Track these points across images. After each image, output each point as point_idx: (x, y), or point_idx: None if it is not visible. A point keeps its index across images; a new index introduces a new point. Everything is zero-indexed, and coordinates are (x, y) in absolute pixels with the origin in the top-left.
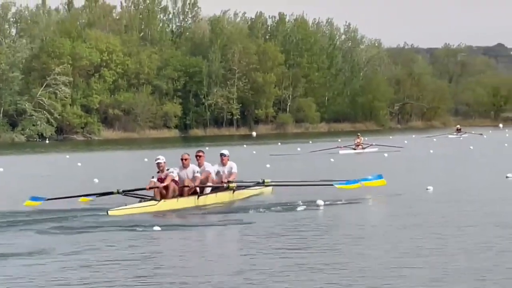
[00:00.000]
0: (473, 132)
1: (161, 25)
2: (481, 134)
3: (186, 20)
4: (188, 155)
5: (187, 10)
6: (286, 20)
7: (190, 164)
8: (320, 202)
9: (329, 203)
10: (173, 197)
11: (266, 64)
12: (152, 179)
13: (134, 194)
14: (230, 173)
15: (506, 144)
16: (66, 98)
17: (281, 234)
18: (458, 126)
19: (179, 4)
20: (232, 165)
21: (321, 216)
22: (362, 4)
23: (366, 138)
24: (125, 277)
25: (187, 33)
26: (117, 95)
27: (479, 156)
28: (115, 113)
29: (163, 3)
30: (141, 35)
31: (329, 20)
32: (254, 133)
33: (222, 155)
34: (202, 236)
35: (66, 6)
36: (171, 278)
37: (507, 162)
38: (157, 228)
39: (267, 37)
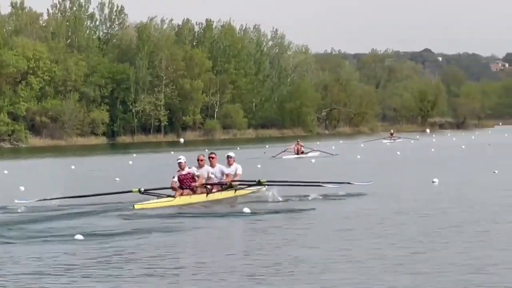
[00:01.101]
0: (406, 137)
1: (88, 32)
2: (417, 139)
3: (113, 27)
4: (204, 156)
5: (114, 16)
6: (213, 26)
7: (205, 165)
8: (246, 210)
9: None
10: (195, 194)
11: (194, 71)
12: (174, 179)
13: (153, 193)
14: (235, 174)
15: (432, 149)
16: None
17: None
18: (392, 131)
19: (106, 11)
20: (237, 166)
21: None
22: (289, 10)
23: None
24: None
25: (114, 40)
26: (44, 103)
27: (407, 161)
28: (43, 120)
29: (90, 10)
30: (68, 42)
31: (256, 26)
32: (182, 140)
33: (228, 157)
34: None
35: None
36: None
37: (433, 167)
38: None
39: (194, 43)
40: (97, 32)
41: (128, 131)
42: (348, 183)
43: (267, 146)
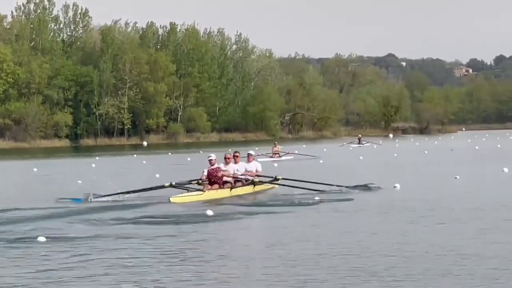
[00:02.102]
0: (371, 141)
1: (52, 34)
2: (380, 144)
3: (77, 29)
4: (230, 154)
5: (78, 19)
6: (177, 30)
7: (230, 163)
8: (209, 212)
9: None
10: (219, 188)
11: (157, 74)
12: (204, 173)
13: (182, 186)
14: (256, 170)
15: (395, 154)
16: None
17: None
18: (360, 135)
19: (70, 13)
20: (256, 163)
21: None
22: (253, 14)
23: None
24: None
25: (78, 43)
26: (7, 105)
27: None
28: (6, 122)
29: (54, 13)
30: (32, 44)
31: (220, 30)
32: (145, 143)
33: (249, 155)
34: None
35: None
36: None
37: (395, 172)
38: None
39: (158, 46)
40: (61, 35)
41: (92, 134)
42: (365, 185)
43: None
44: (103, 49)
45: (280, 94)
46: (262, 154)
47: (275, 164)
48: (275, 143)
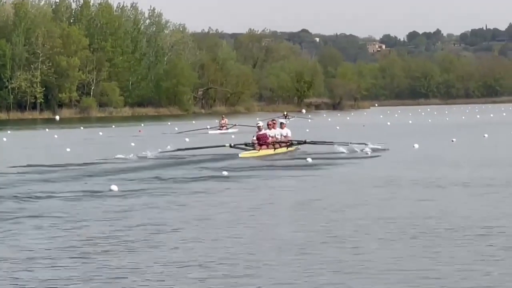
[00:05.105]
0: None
1: None
2: (310, 118)
3: None
4: (273, 121)
5: None
6: (91, 4)
7: (272, 129)
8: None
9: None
10: (267, 148)
11: (70, 48)
12: (253, 138)
13: (239, 147)
14: (287, 135)
15: (307, 130)
16: None
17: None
18: (285, 112)
19: None
20: (287, 130)
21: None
22: None
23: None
24: None
25: None
26: None
27: None
28: None
29: None
30: None
31: (134, 5)
32: (57, 117)
33: (281, 123)
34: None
35: None
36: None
37: (306, 148)
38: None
39: (71, 21)
40: None
41: (4, 108)
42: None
43: (142, 125)
44: (16, 23)
45: (193, 69)
46: (211, 127)
47: (223, 136)
48: (222, 116)
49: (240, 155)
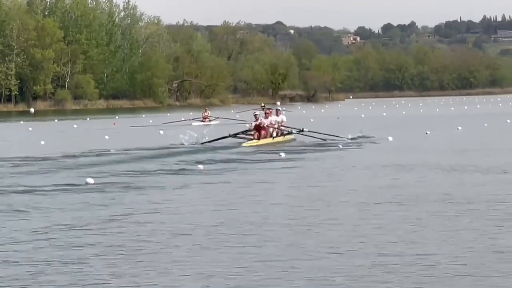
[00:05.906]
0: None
1: None
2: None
3: None
4: (270, 109)
5: None
6: None
7: (269, 117)
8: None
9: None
10: (265, 137)
11: (45, 40)
12: (251, 126)
13: (239, 136)
14: (282, 121)
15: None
16: None
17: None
18: (263, 104)
19: None
20: (282, 116)
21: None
22: None
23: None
24: None
25: None
26: None
27: None
28: None
29: None
30: None
31: None
32: (32, 110)
33: (277, 110)
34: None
35: None
36: None
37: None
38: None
39: (46, 13)
40: None
41: None
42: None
43: (117, 117)
44: None
45: (168, 62)
46: (194, 119)
47: (205, 131)
48: (205, 109)
49: (243, 145)
